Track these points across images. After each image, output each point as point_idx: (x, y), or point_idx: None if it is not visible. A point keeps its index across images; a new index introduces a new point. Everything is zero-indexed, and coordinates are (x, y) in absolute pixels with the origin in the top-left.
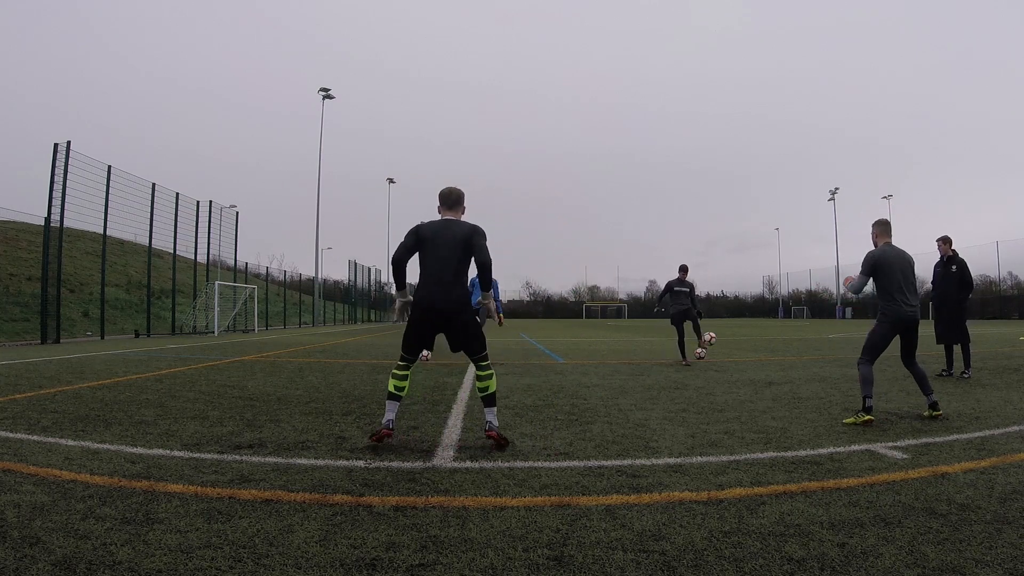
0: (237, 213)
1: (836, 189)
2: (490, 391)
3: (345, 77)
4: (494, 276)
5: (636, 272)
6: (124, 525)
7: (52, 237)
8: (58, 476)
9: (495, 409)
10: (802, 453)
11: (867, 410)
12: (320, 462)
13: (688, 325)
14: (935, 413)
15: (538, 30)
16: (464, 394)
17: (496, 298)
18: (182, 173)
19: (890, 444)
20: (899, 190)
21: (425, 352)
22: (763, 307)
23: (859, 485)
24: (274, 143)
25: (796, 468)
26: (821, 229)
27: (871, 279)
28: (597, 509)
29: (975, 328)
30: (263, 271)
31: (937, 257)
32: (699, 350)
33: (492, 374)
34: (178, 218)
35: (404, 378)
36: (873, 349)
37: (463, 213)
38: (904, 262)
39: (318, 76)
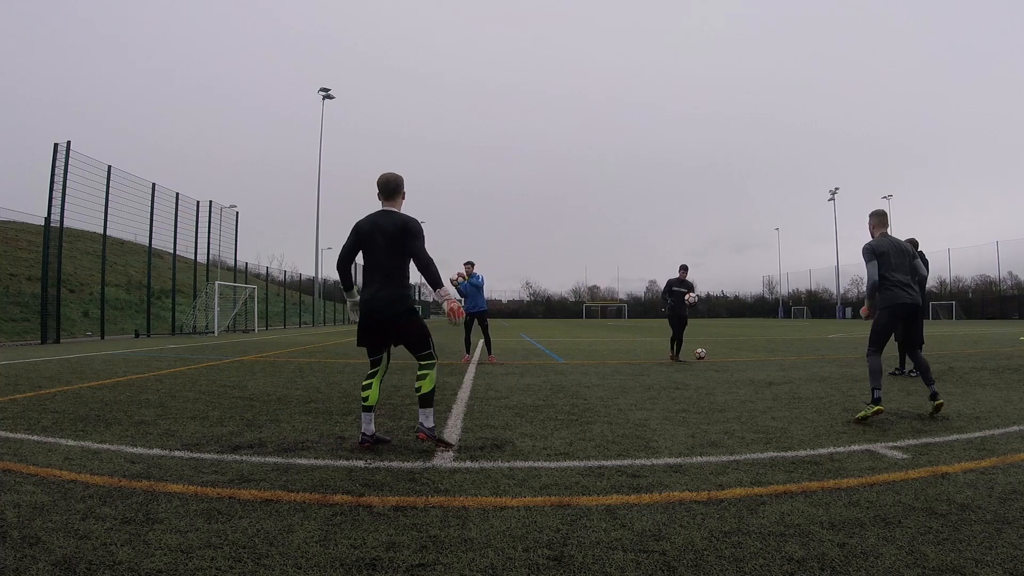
0: (237, 213)
1: (836, 189)
2: (423, 391)
3: (346, 77)
4: (480, 271)
5: (636, 272)
6: (124, 525)
7: (52, 237)
8: (58, 476)
9: (431, 410)
10: (802, 453)
11: (876, 401)
12: (320, 462)
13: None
14: (936, 403)
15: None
16: (464, 394)
17: (482, 293)
18: (182, 173)
19: (890, 444)
20: (899, 190)
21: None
22: (763, 307)
23: (859, 485)
24: (274, 143)
25: (796, 468)
26: (821, 229)
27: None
28: (597, 509)
29: (975, 328)
30: (263, 271)
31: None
32: (699, 350)
33: (429, 374)
34: (178, 218)
35: (368, 387)
36: (878, 338)
37: (403, 201)
38: (901, 251)
39: (319, 76)
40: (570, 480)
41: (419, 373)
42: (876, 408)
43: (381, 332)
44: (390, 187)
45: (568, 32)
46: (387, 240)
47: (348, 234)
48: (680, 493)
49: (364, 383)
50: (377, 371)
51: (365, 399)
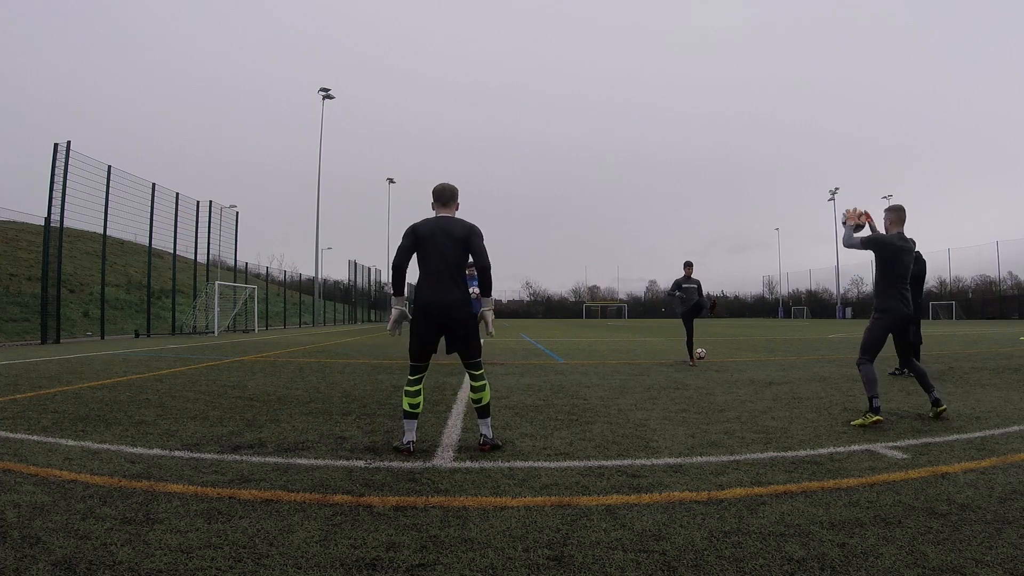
0: (237, 213)
1: (836, 189)
2: (484, 402)
3: (346, 77)
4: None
5: (636, 272)
6: (124, 525)
7: (52, 237)
8: (58, 476)
9: (489, 420)
10: (802, 453)
11: (875, 411)
12: (320, 462)
13: (696, 321)
14: (939, 410)
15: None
16: (464, 394)
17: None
18: (182, 173)
19: (890, 444)
20: (899, 190)
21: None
22: (763, 307)
23: (859, 485)
24: (274, 143)
25: (796, 468)
26: (821, 229)
27: (867, 251)
28: (597, 509)
29: (977, 328)
30: (263, 271)
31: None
32: (699, 350)
33: (486, 384)
34: (178, 218)
35: (417, 393)
36: (872, 347)
37: (457, 210)
38: (911, 256)
39: (319, 76)
40: (570, 480)
41: (475, 384)
42: (875, 418)
43: (437, 331)
44: (447, 194)
45: (568, 32)
46: (452, 243)
47: (403, 236)
48: (680, 493)
49: (410, 389)
50: (423, 376)
51: (415, 406)
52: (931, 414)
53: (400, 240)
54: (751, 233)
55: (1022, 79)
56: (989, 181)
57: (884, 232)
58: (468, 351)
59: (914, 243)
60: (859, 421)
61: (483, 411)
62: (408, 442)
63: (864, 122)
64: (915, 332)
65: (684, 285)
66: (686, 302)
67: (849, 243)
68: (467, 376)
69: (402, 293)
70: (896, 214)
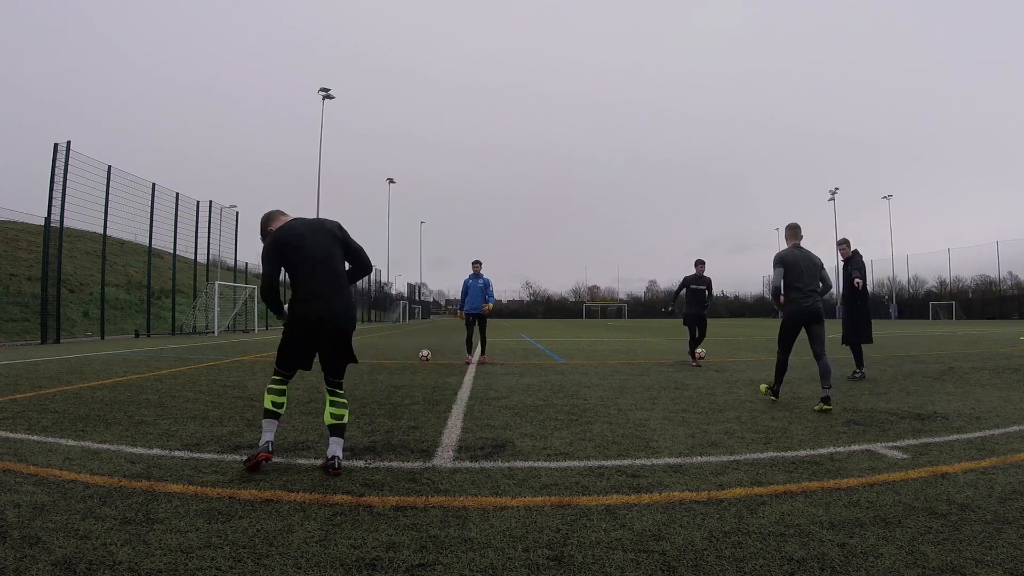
0: (237, 213)
1: (836, 189)
2: (345, 420)
3: (346, 77)
4: (487, 275)
5: (636, 272)
6: (124, 525)
7: (52, 237)
8: (58, 476)
9: (343, 441)
10: (802, 453)
11: (775, 393)
12: (320, 462)
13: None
14: (824, 407)
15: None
16: (464, 394)
17: (491, 298)
18: (182, 173)
19: (890, 444)
20: (899, 190)
21: (425, 352)
22: (763, 307)
23: (859, 485)
24: (274, 143)
25: (796, 468)
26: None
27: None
28: (597, 509)
29: (975, 328)
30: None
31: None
32: (700, 350)
33: (347, 401)
34: (178, 218)
35: (282, 392)
36: (782, 341)
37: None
38: (807, 262)
39: (319, 76)
40: (570, 480)
41: (341, 401)
42: (773, 397)
43: (316, 345)
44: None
45: (568, 32)
46: (328, 245)
47: (264, 251)
48: (680, 493)
49: (274, 388)
50: (288, 380)
51: (279, 405)
52: (816, 408)
53: (263, 255)
54: (751, 233)
55: (1022, 79)
56: (989, 181)
57: (786, 245)
58: (340, 369)
59: (847, 242)
60: (764, 388)
61: (341, 430)
62: (266, 442)
63: (864, 122)
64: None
65: (693, 285)
66: (691, 305)
67: (774, 284)
68: (472, 371)
69: (282, 312)
70: (791, 231)
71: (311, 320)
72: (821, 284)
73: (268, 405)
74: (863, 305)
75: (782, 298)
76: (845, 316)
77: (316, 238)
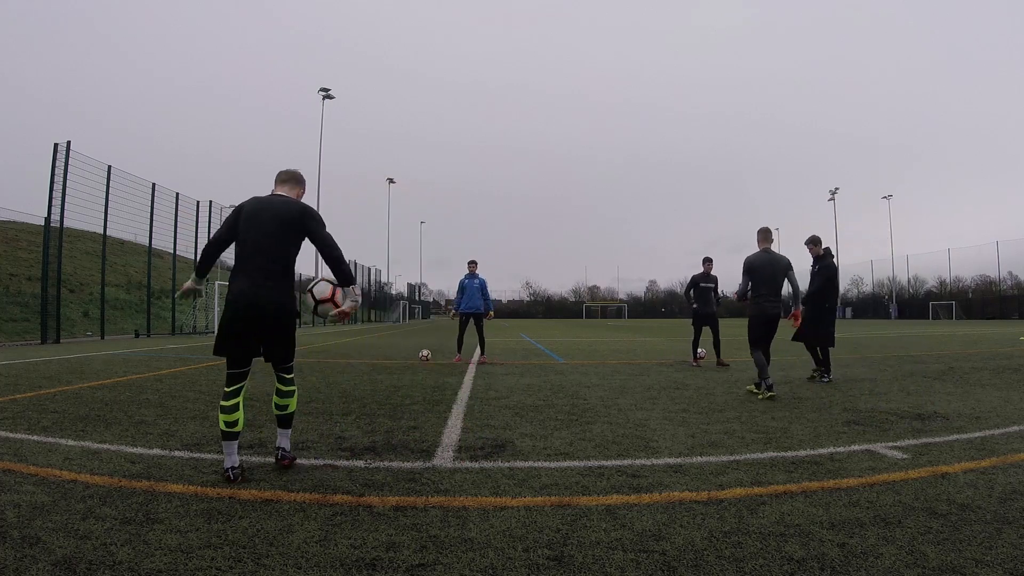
0: None
1: (836, 189)
2: (291, 410)
3: (346, 77)
4: (483, 275)
5: (636, 272)
6: (124, 525)
7: (52, 237)
8: (58, 476)
9: (290, 432)
10: (802, 453)
11: (768, 388)
12: (320, 462)
13: (706, 330)
14: (769, 394)
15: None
16: (464, 394)
17: (487, 297)
18: (182, 173)
19: (890, 444)
20: (899, 190)
21: (425, 352)
22: None
23: (859, 485)
24: (274, 143)
25: (796, 468)
26: (821, 229)
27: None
28: (597, 509)
29: (975, 328)
30: None
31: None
32: (700, 350)
33: (295, 390)
34: (178, 218)
35: (235, 408)
36: (752, 340)
37: (301, 196)
38: (773, 266)
39: (319, 76)
40: (570, 480)
41: (287, 389)
42: (769, 394)
43: (253, 333)
44: (287, 174)
45: (568, 32)
46: (280, 225)
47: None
48: (680, 493)
49: (226, 404)
50: (243, 386)
51: (232, 424)
52: (762, 395)
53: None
54: (751, 233)
55: (1022, 79)
56: (989, 181)
57: (758, 247)
58: (284, 357)
59: (818, 240)
60: (752, 388)
61: (287, 420)
62: (229, 468)
63: (864, 122)
64: (816, 331)
65: (702, 284)
66: (700, 304)
67: (739, 290)
68: (472, 371)
69: (201, 272)
70: (762, 235)
71: (236, 298)
72: (789, 285)
73: (222, 426)
74: (831, 307)
75: (747, 300)
76: (806, 315)
77: (265, 216)
